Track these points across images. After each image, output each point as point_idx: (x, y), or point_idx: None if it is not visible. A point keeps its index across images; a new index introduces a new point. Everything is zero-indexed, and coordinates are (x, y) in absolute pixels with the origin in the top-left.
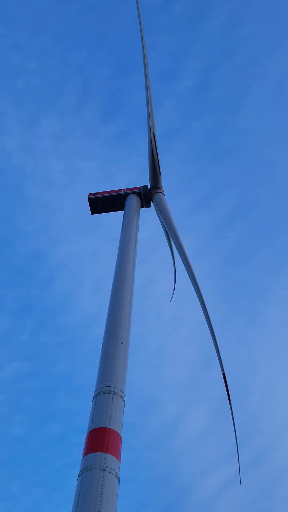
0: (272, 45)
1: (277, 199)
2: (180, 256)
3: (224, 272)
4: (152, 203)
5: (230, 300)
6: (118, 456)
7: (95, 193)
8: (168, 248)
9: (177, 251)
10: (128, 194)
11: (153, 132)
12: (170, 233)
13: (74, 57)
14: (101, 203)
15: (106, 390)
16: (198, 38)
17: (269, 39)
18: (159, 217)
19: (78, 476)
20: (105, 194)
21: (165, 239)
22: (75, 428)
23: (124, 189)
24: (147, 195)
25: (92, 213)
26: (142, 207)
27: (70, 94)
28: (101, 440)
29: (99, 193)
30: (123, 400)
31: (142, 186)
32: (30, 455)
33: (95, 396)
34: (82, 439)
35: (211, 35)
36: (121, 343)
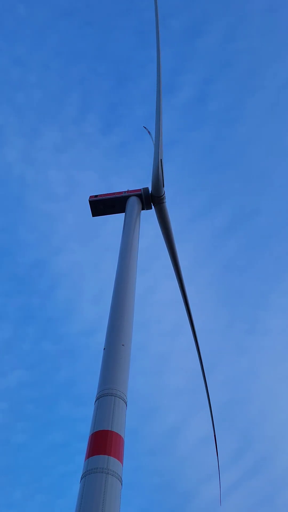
0: (269, 58)
1: (276, 208)
2: (175, 273)
3: (224, 280)
4: (154, 208)
5: (230, 307)
6: (120, 459)
7: (96, 196)
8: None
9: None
10: (129, 196)
11: (161, 159)
12: (168, 249)
13: (74, 71)
14: (102, 206)
15: (108, 393)
16: (196, 52)
17: (266, 53)
18: (160, 226)
19: (81, 479)
20: (106, 197)
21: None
22: (77, 435)
23: (125, 191)
24: (148, 197)
25: (93, 216)
26: (143, 209)
27: (71, 107)
28: (103, 442)
29: (100, 195)
30: (125, 403)
31: (143, 188)
32: (33, 462)
33: (97, 398)
34: (84, 446)
35: (208, 49)
36: (123, 345)
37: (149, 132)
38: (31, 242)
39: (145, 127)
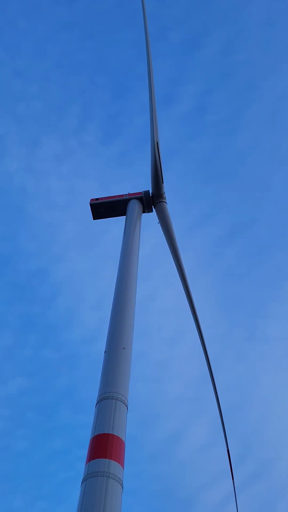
0: (267, 70)
1: (275, 217)
2: (178, 272)
3: (224, 288)
4: (154, 210)
5: (229, 315)
6: (121, 463)
7: (97, 199)
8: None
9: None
10: (129, 199)
11: (157, 142)
12: (170, 249)
13: (74, 82)
14: (103, 208)
15: (109, 396)
16: (195, 64)
17: (264, 65)
18: (161, 226)
19: (82, 483)
20: (106, 200)
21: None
22: (78, 442)
23: (125, 194)
24: (149, 200)
25: (94, 219)
26: (144, 212)
27: (71, 118)
28: (104, 446)
29: (101, 198)
30: (126, 406)
31: (143, 191)
32: (34, 469)
33: (98, 402)
34: (84, 452)
35: (207, 60)
36: (124, 348)
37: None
38: (32, 250)
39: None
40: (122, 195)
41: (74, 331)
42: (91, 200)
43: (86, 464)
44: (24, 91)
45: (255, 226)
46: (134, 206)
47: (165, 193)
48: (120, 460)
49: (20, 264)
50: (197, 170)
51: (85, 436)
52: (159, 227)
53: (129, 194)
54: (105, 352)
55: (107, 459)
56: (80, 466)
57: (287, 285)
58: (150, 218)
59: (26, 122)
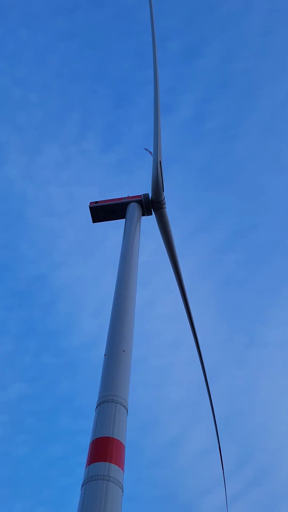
0: (266, 78)
1: (273, 223)
2: (176, 281)
3: (223, 294)
4: (154, 213)
5: (229, 321)
6: (121, 466)
7: (96, 202)
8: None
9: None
10: (129, 202)
11: (160, 161)
12: (169, 255)
13: (74, 91)
14: (102, 212)
15: (109, 399)
16: (194, 73)
17: (262, 73)
18: (160, 232)
19: (81, 487)
20: (106, 203)
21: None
22: (78, 448)
23: (125, 197)
24: (148, 203)
25: (93, 222)
26: (143, 215)
27: (71, 126)
28: (104, 449)
29: (100, 201)
30: (126, 409)
31: (143, 194)
32: (34, 475)
33: (98, 405)
34: (84, 458)
35: (206, 70)
36: (124, 351)
37: (150, 153)
38: (32, 257)
39: (146, 149)
40: (122, 198)
41: (74, 337)
42: (91, 203)
43: (86, 468)
44: (24, 100)
45: (255, 232)
46: (134, 209)
47: (165, 199)
48: (120, 463)
49: (20, 270)
50: (197, 177)
51: (85, 442)
52: (158, 232)
53: (128, 197)
54: (105, 355)
55: (107, 463)
56: (80, 472)
57: (286, 291)
58: (150, 222)
59: (26, 130)
